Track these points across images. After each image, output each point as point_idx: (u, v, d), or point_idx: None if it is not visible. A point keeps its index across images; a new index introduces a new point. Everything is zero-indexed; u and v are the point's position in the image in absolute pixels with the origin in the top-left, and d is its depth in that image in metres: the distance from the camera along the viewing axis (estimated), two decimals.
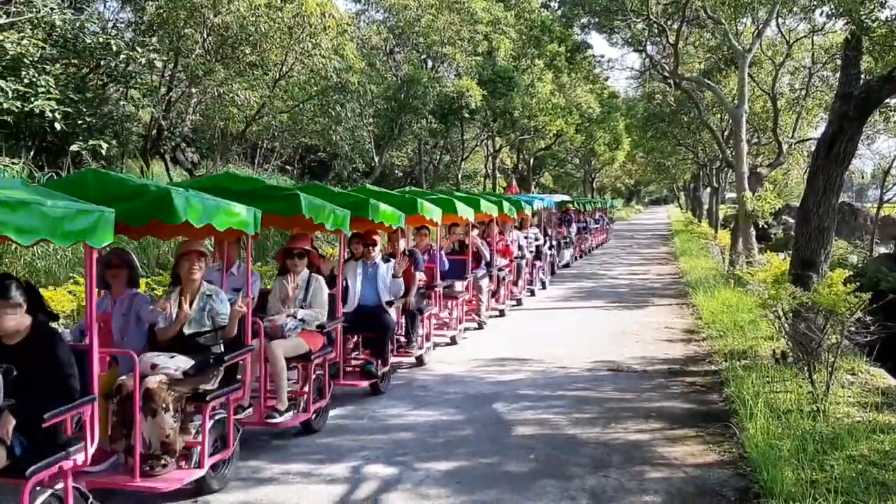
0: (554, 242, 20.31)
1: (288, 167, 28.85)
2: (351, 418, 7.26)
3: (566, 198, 26.05)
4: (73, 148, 12.75)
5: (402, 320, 8.94)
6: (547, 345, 10.87)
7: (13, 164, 11.43)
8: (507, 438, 6.67)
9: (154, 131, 16.85)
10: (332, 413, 7.27)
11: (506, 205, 12.96)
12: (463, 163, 34.24)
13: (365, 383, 7.91)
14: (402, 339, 8.88)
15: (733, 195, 33.79)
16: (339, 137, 21.73)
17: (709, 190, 40.56)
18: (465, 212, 10.80)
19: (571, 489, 5.48)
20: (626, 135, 45.23)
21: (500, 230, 13.62)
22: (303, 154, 29.12)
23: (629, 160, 59.12)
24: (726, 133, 27.36)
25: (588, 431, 6.83)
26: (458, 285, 10.91)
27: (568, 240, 22.69)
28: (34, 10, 12.41)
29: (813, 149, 15.61)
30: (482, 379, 8.91)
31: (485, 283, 12.18)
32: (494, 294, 13.03)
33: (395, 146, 28.53)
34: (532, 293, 16.10)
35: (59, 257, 10.76)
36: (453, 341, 10.76)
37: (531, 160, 41.60)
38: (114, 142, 13.61)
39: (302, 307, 6.82)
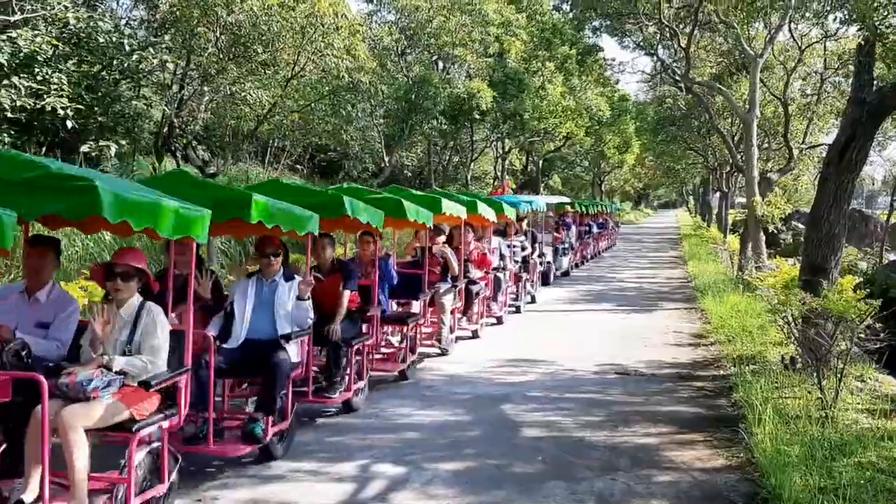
0: (545, 250, 18.08)
1: (298, 166, 28.95)
2: (359, 417, 7.28)
3: (564, 199, 24.54)
4: (84, 148, 12.82)
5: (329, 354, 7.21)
6: (555, 347, 10.87)
7: None
8: (515, 440, 6.68)
9: (166, 129, 16.90)
10: (340, 413, 7.29)
11: (481, 206, 11.04)
12: (472, 164, 34.25)
13: (245, 449, 5.73)
14: (324, 379, 7.12)
15: (743, 200, 33.69)
16: (349, 137, 21.78)
17: (718, 194, 40.42)
18: (419, 215, 8.51)
19: (579, 491, 5.49)
20: (635, 138, 45.19)
21: (478, 236, 12.21)
22: (313, 153, 29.22)
23: (638, 163, 59.06)
24: (737, 138, 27.29)
25: (596, 434, 6.83)
26: (415, 306, 9.54)
27: (566, 246, 20.98)
28: (48, 7, 12.48)
29: (824, 154, 15.59)
30: (490, 380, 8.92)
31: (448, 300, 10.04)
32: (466, 312, 11.12)
33: (405, 147, 28.57)
34: (517, 310, 13.98)
35: (69, 252, 10.82)
36: (402, 376, 8.74)
37: (540, 162, 41.58)
38: (124, 141, 13.66)
39: (126, 352, 4.79)
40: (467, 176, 32.79)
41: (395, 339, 9.51)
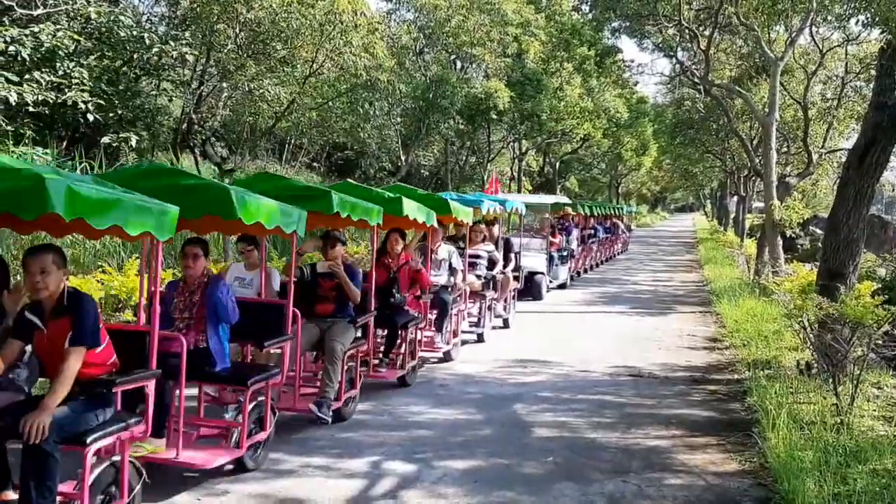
0: (538, 259, 16.02)
1: (315, 164, 29.04)
2: (371, 414, 7.29)
3: (563, 199, 22.17)
4: (105, 140, 12.92)
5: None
6: (567, 348, 10.85)
7: (45, 153, 11.60)
8: (526, 440, 6.67)
9: (184, 125, 17.01)
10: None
11: (409, 206, 7.71)
12: (489, 164, 34.23)
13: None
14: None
15: (760, 204, 33.45)
16: (366, 135, 21.82)
17: (735, 198, 40.16)
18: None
19: (590, 493, 5.47)
20: (653, 141, 45.01)
21: (433, 246, 9.52)
22: (330, 151, 29.30)
23: (656, 166, 58.82)
24: (755, 141, 27.10)
25: (608, 436, 6.80)
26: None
27: (565, 253, 18.41)
28: (70, 1, 12.59)
29: (843, 159, 15.44)
30: (503, 380, 8.91)
31: (341, 342, 6.74)
32: (386, 352, 8.18)
33: (422, 146, 28.58)
34: (480, 338, 11.07)
35: (87, 246, 10.91)
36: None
37: (557, 164, 41.52)
38: (144, 134, 13.78)
39: None
40: (484, 176, 32.75)
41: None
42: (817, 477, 5.32)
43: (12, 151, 11.28)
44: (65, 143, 13.70)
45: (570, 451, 6.34)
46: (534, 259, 15.80)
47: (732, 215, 43.13)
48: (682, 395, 8.46)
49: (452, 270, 9.76)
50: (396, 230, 8.47)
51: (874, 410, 7.22)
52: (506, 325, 12.43)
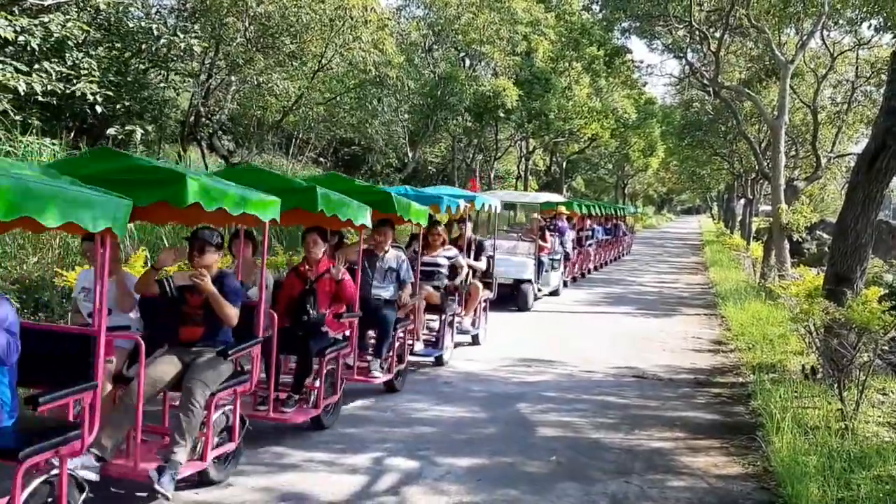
0: (524, 263, 14.39)
1: (322, 159, 29.05)
2: (374, 410, 7.29)
3: (555, 198, 19.58)
4: (111, 132, 12.94)
5: None
6: (572, 348, 10.83)
7: (53, 144, 11.62)
8: (529, 439, 6.66)
9: (192, 117, 17.02)
10: (355, 404, 7.32)
11: (327, 199, 5.92)
12: (496, 163, 34.20)
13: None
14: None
15: (767, 208, 33.35)
16: (374, 131, 21.81)
17: (742, 201, 40.07)
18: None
19: (593, 493, 5.45)
20: (661, 142, 44.92)
21: (380, 251, 8.04)
22: (337, 147, 29.31)
23: (663, 168, 58.72)
24: (764, 144, 27.02)
25: (611, 436, 6.79)
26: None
27: (556, 257, 16.57)
28: None
29: (852, 164, 15.39)
30: (507, 378, 8.90)
31: (202, 381, 5.05)
32: (297, 387, 6.43)
33: (430, 143, 28.58)
34: (437, 360, 9.29)
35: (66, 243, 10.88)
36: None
37: (564, 163, 41.47)
38: (150, 127, 13.79)
39: None
40: (490, 174, 32.75)
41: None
42: (821, 482, 5.30)
43: (20, 141, 11.29)
44: (72, 134, 13.71)
45: (574, 451, 6.33)
46: (520, 265, 14.22)
47: (739, 218, 43.05)
48: (686, 397, 8.43)
49: (400, 283, 8.07)
50: (315, 229, 6.83)
51: (879, 416, 7.19)
52: (475, 341, 10.56)
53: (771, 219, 20.96)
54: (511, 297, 13.90)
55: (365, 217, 6.56)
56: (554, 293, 16.47)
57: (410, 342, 8.43)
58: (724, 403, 8.21)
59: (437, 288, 9.27)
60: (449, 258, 9.59)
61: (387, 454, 6.05)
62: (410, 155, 26.17)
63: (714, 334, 12.75)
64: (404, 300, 8.19)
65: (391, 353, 7.69)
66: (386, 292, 7.89)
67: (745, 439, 6.76)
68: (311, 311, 6.51)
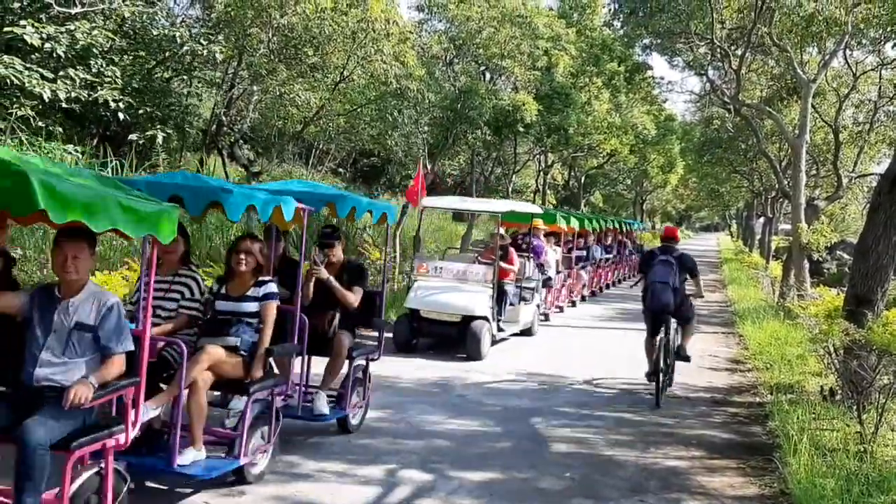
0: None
1: (341, 170, 29.18)
2: (388, 422, 7.28)
3: (528, 207, 14.28)
4: (132, 137, 13.07)
5: None
6: (587, 364, 10.78)
7: (76, 150, 11.75)
8: (543, 454, 6.63)
9: (213, 126, 17.16)
10: (369, 416, 7.32)
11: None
12: (514, 176, 34.18)
13: None
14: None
15: (787, 226, 33.09)
16: (393, 143, 21.85)
17: (762, 220, 39.79)
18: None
19: None
20: (680, 158, 44.73)
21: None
22: (356, 158, 29.43)
23: (682, 184, 58.46)
24: (784, 163, 26.86)
25: (626, 454, 6.74)
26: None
27: (531, 285, 12.91)
28: (108, 1, 12.76)
29: (873, 184, 15.26)
30: (521, 392, 8.88)
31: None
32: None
33: (448, 155, 28.60)
34: (237, 478, 5.43)
35: (113, 244, 11.01)
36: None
37: (582, 178, 41.38)
38: (171, 132, 13.91)
39: None
40: (508, 188, 32.74)
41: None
42: None
43: (43, 147, 11.43)
44: (95, 141, 13.86)
45: (588, 468, 6.29)
46: (470, 296, 10.71)
47: (758, 236, 42.77)
48: (702, 415, 8.37)
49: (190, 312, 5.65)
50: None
51: None
52: (343, 428, 6.80)
53: (790, 238, 20.79)
54: (456, 341, 10.60)
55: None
56: (526, 332, 12.61)
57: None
58: (740, 423, 8.13)
59: (232, 350, 5.37)
60: (260, 297, 5.54)
61: (400, 466, 6.04)
62: (429, 167, 26.20)
63: (731, 353, 12.65)
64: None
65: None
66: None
67: (761, 460, 6.70)
68: None
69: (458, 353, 10.57)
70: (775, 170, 24.27)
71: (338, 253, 7.00)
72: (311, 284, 6.67)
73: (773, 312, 15.69)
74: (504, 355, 10.96)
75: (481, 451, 6.57)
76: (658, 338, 8.93)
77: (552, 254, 14.92)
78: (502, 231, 12.21)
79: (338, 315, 6.78)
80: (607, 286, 21.88)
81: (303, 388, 6.49)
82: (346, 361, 6.66)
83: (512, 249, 12.21)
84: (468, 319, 10.51)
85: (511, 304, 11.90)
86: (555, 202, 39.60)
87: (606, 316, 16.44)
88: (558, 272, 15.52)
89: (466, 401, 8.35)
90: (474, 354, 10.42)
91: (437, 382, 8.97)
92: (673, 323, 9.26)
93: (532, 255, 13.52)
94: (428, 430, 7.11)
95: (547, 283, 14.27)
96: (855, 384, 7.47)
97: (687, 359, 9.56)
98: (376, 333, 7.60)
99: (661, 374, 8.70)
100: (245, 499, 5.21)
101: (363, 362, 6.99)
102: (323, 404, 6.48)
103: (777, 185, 26.19)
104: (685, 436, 7.48)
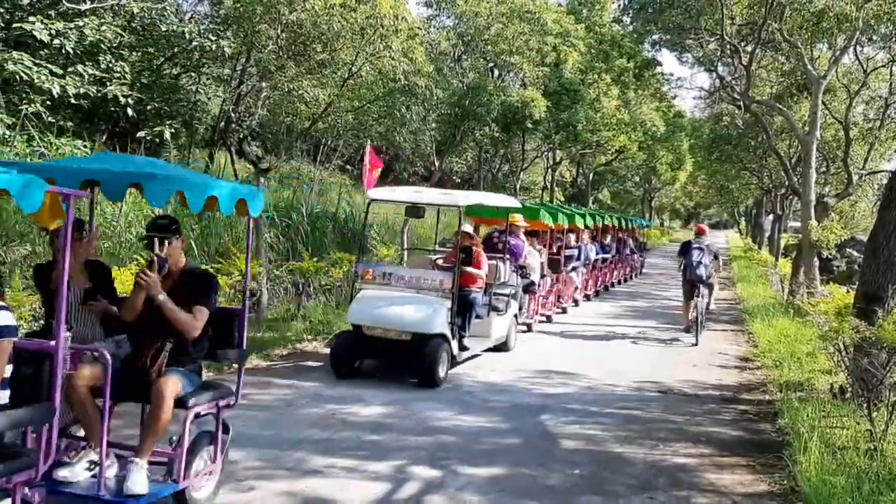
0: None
1: (349, 167, 29.21)
2: (396, 418, 7.28)
3: (497, 200, 11.76)
4: (141, 133, 13.11)
5: None
6: (595, 361, 10.75)
7: (85, 146, 11.80)
8: (551, 451, 6.61)
9: (222, 123, 17.19)
10: (377, 412, 7.33)
11: None
12: (522, 174, 34.15)
13: None
14: None
15: (796, 224, 32.97)
16: (402, 140, 21.85)
17: (771, 217, 39.63)
18: None
19: None
20: (689, 155, 44.61)
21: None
22: (364, 155, 29.45)
23: (690, 181, 58.31)
24: (794, 160, 26.74)
25: (635, 451, 6.73)
26: None
27: (506, 291, 11.01)
28: None
29: (884, 181, 15.19)
30: (529, 390, 8.86)
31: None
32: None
33: (456, 152, 28.60)
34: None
35: (122, 239, 11.05)
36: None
37: (591, 175, 41.32)
38: (179, 128, 13.96)
39: None
40: (516, 185, 32.71)
41: None
42: (849, 503, 5.21)
43: (53, 143, 11.48)
44: (104, 137, 13.91)
45: (596, 465, 6.27)
46: (420, 309, 8.86)
47: (767, 234, 42.62)
48: (711, 413, 8.34)
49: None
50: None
51: None
52: None
53: (800, 235, 20.72)
54: (405, 363, 8.88)
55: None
56: (501, 347, 10.85)
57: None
58: (750, 421, 8.10)
59: None
60: None
61: (408, 462, 6.04)
62: (437, 164, 26.21)
63: (741, 350, 12.61)
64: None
65: None
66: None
67: (771, 457, 6.67)
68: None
69: (409, 379, 8.79)
70: (785, 167, 24.17)
71: (175, 255, 4.94)
72: (140, 298, 4.78)
73: (783, 310, 15.64)
74: (510, 354, 10.95)
75: (489, 448, 6.57)
76: (693, 301, 13.17)
77: (535, 255, 13.11)
78: (469, 228, 10.29)
79: (168, 346, 4.81)
80: (605, 288, 20.26)
81: (110, 454, 4.64)
82: (189, 413, 4.74)
83: (479, 251, 10.12)
84: (420, 338, 8.64)
85: (478, 317, 10.00)
86: (563, 199, 39.53)
87: (613, 314, 16.38)
88: (543, 276, 13.63)
89: (475, 397, 8.34)
90: (427, 381, 8.57)
91: (446, 380, 8.87)
92: (702, 289, 13.20)
93: (509, 256, 11.56)
94: (436, 427, 7.11)
95: (529, 288, 12.60)
96: (865, 382, 7.43)
97: (708, 309, 14.00)
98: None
99: (697, 324, 12.99)
100: (254, 494, 5.22)
101: (211, 411, 5.04)
102: (138, 479, 4.43)
103: (787, 182, 26.09)
104: (694, 433, 7.46)
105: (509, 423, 7.37)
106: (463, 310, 9.40)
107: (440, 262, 10.41)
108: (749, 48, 21.65)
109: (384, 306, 8.93)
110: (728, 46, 22.15)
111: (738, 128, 31.97)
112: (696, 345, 12.52)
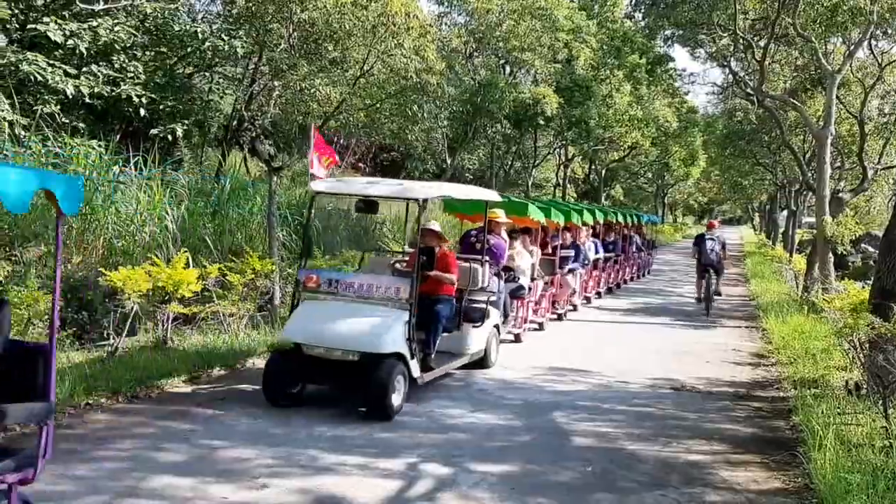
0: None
1: (361, 164, 29.23)
2: (409, 415, 7.29)
3: (484, 195, 10.01)
4: (153, 132, 13.17)
5: None
6: (608, 358, 10.74)
7: (99, 146, 11.87)
8: (563, 448, 6.61)
9: (235, 122, 17.26)
10: None
11: None
12: (534, 170, 34.09)
13: None
14: None
15: (810, 219, 32.76)
16: (414, 137, 21.87)
17: (785, 212, 39.40)
18: None
19: None
20: (702, 151, 44.42)
21: None
22: (376, 152, 29.47)
23: (704, 177, 58.03)
24: (808, 155, 26.58)
25: (647, 448, 6.71)
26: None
27: (481, 299, 9.44)
28: None
29: None
30: (542, 387, 8.85)
31: None
32: None
33: (468, 149, 28.58)
34: None
35: (136, 238, 11.11)
36: None
37: (603, 171, 41.20)
38: (195, 129, 14.02)
39: None
40: (528, 182, 32.66)
41: None
42: (864, 500, 5.18)
43: (67, 143, 11.55)
44: (118, 136, 13.99)
45: (609, 462, 6.26)
46: (373, 325, 7.43)
47: (781, 229, 42.39)
48: (724, 410, 8.30)
49: None
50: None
51: None
52: None
53: (815, 231, 20.58)
54: (352, 389, 7.37)
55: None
56: (479, 364, 9.38)
57: None
58: (764, 418, 8.06)
59: None
60: None
61: (421, 459, 6.05)
62: (449, 161, 26.20)
63: (755, 347, 12.55)
64: None
65: None
66: None
67: (785, 455, 6.63)
68: None
69: (356, 407, 7.23)
70: (799, 162, 24.03)
71: None
72: None
73: (797, 306, 15.56)
74: (522, 351, 10.93)
75: (502, 445, 6.57)
76: (704, 280, 16.05)
77: (526, 256, 11.87)
78: (435, 226, 8.75)
79: None
80: (609, 290, 18.95)
81: None
82: None
83: (446, 251, 8.76)
84: (371, 358, 7.15)
85: (447, 330, 8.55)
86: (575, 196, 39.46)
87: (626, 310, 16.33)
88: (534, 279, 12.28)
89: (487, 395, 8.34)
90: (376, 411, 7.07)
91: (457, 377, 8.87)
92: (712, 273, 15.92)
93: (488, 257, 9.85)
94: (448, 424, 7.11)
95: (518, 293, 11.19)
96: (881, 378, 7.37)
97: (719, 293, 16.78)
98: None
99: (707, 301, 15.98)
100: (267, 492, 5.24)
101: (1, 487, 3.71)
102: None
103: (801, 178, 25.91)
104: (707, 430, 7.43)
105: (522, 421, 7.36)
106: (428, 323, 8.05)
107: (398, 265, 9.16)
108: (762, 43, 21.53)
109: (326, 321, 7.46)
110: (741, 41, 22.02)
111: (751, 123, 31.82)
112: (707, 315, 15.64)
